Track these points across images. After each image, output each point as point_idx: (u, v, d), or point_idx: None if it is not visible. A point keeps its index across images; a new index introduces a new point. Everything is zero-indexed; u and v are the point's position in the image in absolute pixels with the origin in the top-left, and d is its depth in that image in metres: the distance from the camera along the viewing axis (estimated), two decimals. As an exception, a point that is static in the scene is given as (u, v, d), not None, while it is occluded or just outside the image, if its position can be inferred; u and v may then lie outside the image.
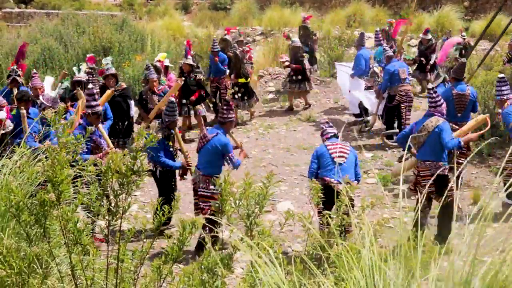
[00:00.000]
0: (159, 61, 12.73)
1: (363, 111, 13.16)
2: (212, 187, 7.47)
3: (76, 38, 18.24)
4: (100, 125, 8.30)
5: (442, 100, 7.94)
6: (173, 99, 8.57)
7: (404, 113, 11.82)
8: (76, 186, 3.72)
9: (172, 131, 8.28)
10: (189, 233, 3.51)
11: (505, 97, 8.81)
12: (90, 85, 8.84)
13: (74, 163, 3.65)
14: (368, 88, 12.90)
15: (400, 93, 11.73)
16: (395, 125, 12.04)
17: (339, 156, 7.40)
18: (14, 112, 8.94)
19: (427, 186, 6.70)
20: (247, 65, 13.91)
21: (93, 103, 8.02)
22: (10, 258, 3.33)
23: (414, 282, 2.48)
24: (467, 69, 11.51)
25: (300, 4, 30.09)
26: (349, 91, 13.26)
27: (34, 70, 11.65)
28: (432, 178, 6.94)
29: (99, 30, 17.98)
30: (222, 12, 33.03)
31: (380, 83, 12.30)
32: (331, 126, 7.91)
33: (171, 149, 8.33)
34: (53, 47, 17.57)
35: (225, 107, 7.98)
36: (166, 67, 13.15)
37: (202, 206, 7.61)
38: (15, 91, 10.25)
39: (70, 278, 3.49)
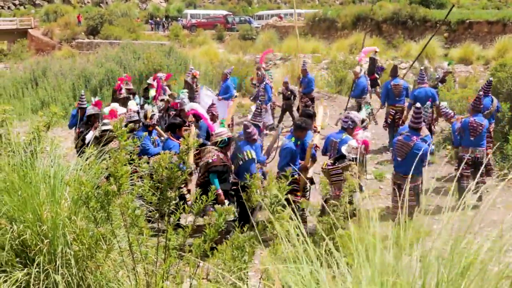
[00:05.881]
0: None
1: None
2: None
3: (133, 62, 18.46)
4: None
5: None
6: None
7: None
8: (133, 179, 3.73)
9: None
10: (223, 219, 3.50)
11: (418, 81, 10.12)
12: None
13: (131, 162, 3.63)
14: None
15: (314, 97, 13.04)
16: None
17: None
18: None
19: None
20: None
21: None
22: (81, 236, 3.37)
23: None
24: (447, 86, 12.04)
25: (312, 35, 30.03)
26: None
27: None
28: None
29: (151, 56, 18.17)
30: (250, 41, 33.14)
31: (265, 101, 11.92)
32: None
33: None
34: (114, 70, 17.84)
35: None
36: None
37: None
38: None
39: (128, 253, 3.51)
